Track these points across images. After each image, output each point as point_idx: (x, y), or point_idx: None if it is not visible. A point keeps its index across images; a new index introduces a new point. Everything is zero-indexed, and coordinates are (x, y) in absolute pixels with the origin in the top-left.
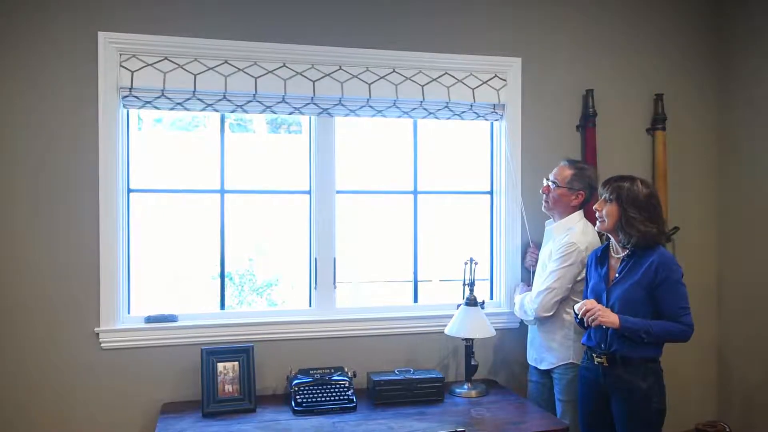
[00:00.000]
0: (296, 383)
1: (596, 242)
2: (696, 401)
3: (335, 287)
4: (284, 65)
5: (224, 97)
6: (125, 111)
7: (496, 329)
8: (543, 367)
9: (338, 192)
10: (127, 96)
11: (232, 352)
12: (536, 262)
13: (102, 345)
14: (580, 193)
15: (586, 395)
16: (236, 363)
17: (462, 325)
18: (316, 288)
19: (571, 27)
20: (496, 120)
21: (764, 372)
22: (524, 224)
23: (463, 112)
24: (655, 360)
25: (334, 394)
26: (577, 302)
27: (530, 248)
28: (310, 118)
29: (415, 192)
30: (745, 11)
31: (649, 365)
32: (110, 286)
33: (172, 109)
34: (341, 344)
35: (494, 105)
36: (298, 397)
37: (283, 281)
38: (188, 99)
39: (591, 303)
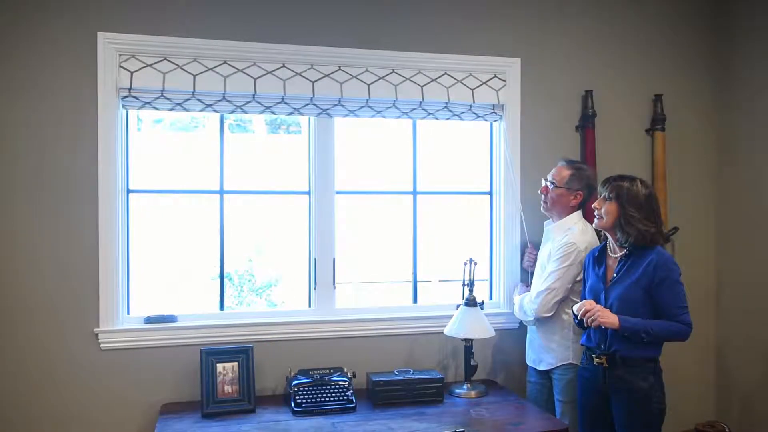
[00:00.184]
0: (296, 384)
1: (595, 242)
2: (695, 401)
3: (335, 288)
4: (283, 66)
5: (224, 97)
6: (125, 111)
7: (495, 330)
8: (542, 367)
9: (338, 192)
10: (126, 96)
11: (231, 352)
12: (534, 262)
13: (101, 345)
14: (579, 193)
15: (586, 396)
16: (236, 363)
17: (461, 326)
18: (315, 288)
19: (570, 27)
20: (496, 120)
21: (763, 372)
22: (523, 225)
23: (463, 112)
24: (655, 360)
25: (333, 394)
26: (576, 303)
27: (528, 248)
28: (309, 118)
29: (414, 192)
30: (745, 11)
31: (649, 365)
32: (110, 286)
33: (171, 109)
34: (341, 345)
35: (494, 105)
36: (297, 397)
37: (282, 282)
38: (188, 100)
39: (590, 303)
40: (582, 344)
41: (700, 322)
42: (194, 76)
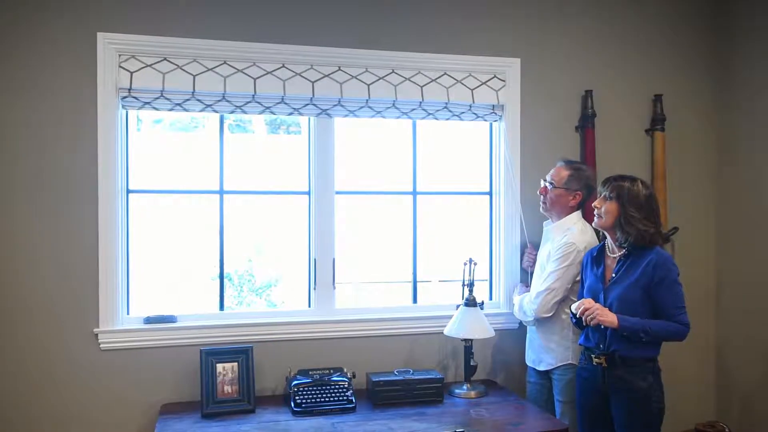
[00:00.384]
0: (295, 384)
1: (594, 242)
2: (695, 401)
3: (334, 288)
4: (283, 66)
5: (223, 97)
6: (124, 111)
7: (495, 330)
8: (542, 368)
9: (337, 192)
10: (126, 97)
11: (231, 352)
12: (534, 262)
13: (101, 346)
14: (578, 193)
15: (585, 395)
16: (235, 364)
17: (461, 326)
18: (315, 288)
19: (570, 27)
20: (495, 121)
21: (763, 372)
22: (522, 225)
23: (463, 112)
24: (654, 359)
25: (333, 394)
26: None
27: (528, 249)
28: (309, 118)
29: (414, 193)
30: (745, 11)
31: (649, 365)
32: (109, 286)
33: (171, 109)
34: (340, 345)
35: (493, 106)
36: (297, 397)
37: (282, 282)
38: (187, 100)
39: (589, 302)
40: (580, 344)
41: (700, 322)
42: (194, 76)
